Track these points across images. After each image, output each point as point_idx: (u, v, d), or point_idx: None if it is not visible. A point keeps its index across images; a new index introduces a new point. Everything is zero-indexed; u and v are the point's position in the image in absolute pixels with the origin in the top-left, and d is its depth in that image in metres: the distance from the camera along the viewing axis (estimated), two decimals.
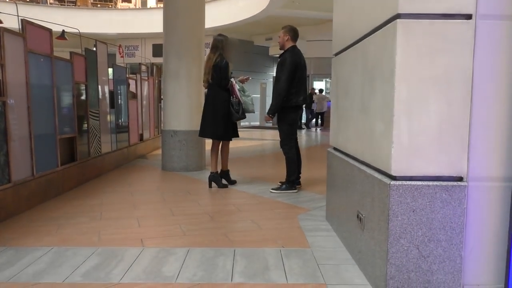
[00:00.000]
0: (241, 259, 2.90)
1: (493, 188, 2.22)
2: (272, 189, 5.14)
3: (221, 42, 5.24)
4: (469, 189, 2.20)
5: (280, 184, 5.21)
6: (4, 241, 3.24)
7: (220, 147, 5.44)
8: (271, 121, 5.15)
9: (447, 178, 2.21)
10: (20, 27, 4.21)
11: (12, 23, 6.21)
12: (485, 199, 2.23)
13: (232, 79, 5.21)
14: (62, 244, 3.19)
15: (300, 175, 5.28)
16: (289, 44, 5.02)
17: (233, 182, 5.56)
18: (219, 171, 5.46)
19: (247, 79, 5.46)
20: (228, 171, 5.54)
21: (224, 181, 5.43)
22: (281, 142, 5.16)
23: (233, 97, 5.20)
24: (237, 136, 5.48)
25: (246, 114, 5.32)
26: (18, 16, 5.06)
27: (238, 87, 5.21)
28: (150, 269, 2.73)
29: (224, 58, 5.18)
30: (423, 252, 2.22)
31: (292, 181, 5.11)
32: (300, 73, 4.94)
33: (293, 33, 5.03)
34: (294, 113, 5.08)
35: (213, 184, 5.34)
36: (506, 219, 2.20)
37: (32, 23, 4.37)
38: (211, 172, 5.39)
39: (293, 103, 4.96)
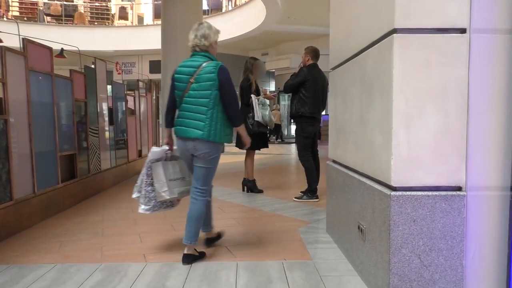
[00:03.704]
0: (244, 273, 2.92)
1: (492, 197, 2.26)
2: (295, 198, 5.46)
3: (251, 64, 5.84)
4: (468, 198, 2.24)
5: (301, 193, 5.48)
6: (7, 258, 3.25)
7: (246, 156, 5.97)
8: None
9: (446, 188, 2.25)
10: (21, 45, 4.27)
11: (12, 42, 6.27)
12: (484, 208, 2.27)
13: (252, 96, 5.63)
14: (65, 261, 3.20)
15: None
16: (309, 63, 5.46)
17: (258, 191, 6.02)
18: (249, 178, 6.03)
19: (273, 97, 6.18)
20: (247, 179, 6.07)
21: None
22: (298, 154, 5.55)
23: (251, 112, 5.60)
24: (263, 147, 5.93)
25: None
26: (19, 35, 5.12)
27: (257, 103, 5.62)
28: (154, 284, 2.74)
29: (249, 79, 5.73)
30: (425, 262, 2.25)
31: (313, 190, 5.38)
32: (312, 86, 5.28)
33: (314, 54, 5.49)
34: (311, 127, 5.38)
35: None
36: (505, 228, 2.24)
37: (33, 42, 4.43)
38: (245, 179, 6.08)
39: (300, 113, 5.31)
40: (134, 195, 3.42)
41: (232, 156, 9.12)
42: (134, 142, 8.18)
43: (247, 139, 3.46)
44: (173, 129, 3.31)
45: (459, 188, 2.25)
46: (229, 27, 17.84)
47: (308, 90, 5.25)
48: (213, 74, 3.07)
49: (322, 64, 5.40)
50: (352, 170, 3.04)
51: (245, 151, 5.68)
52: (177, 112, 3.28)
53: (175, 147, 3.36)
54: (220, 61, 3.17)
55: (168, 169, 3.35)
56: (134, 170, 8.07)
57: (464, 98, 2.22)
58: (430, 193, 2.23)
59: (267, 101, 5.90)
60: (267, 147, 6.03)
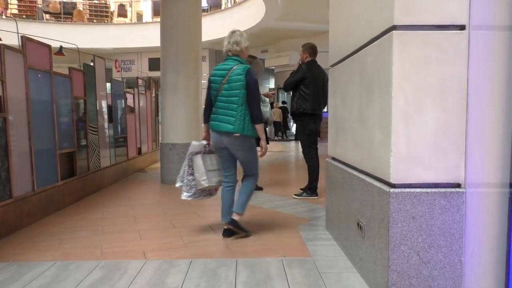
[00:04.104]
0: (243, 270, 2.93)
1: (491, 194, 2.26)
2: (295, 195, 5.48)
3: (249, 63, 5.78)
4: (467, 195, 2.25)
5: (301, 190, 5.50)
6: (7, 256, 3.25)
7: None
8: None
9: (445, 185, 2.25)
10: (20, 43, 4.26)
11: (11, 40, 6.26)
12: (483, 205, 2.27)
13: None
14: (65, 258, 3.21)
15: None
16: (307, 59, 5.45)
17: (258, 188, 5.84)
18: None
19: (271, 95, 6.19)
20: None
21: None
22: (302, 151, 5.56)
23: None
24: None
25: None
26: (18, 33, 5.11)
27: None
28: (153, 281, 2.75)
29: None
30: (424, 258, 2.25)
31: (313, 188, 5.39)
32: (312, 82, 5.28)
33: (312, 50, 5.47)
34: (312, 124, 5.38)
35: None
36: (504, 225, 2.24)
37: (31, 40, 4.42)
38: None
39: (302, 110, 5.32)
40: (177, 184, 3.89)
41: None
42: (134, 140, 8.18)
43: (264, 144, 3.75)
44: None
45: (458, 185, 2.26)
46: (228, 24, 17.80)
47: (308, 87, 5.25)
48: (242, 75, 3.52)
49: (321, 61, 5.41)
50: (351, 167, 3.05)
51: None
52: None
53: (211, 143, 3.80)
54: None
55: (206, 161, 3.80)
56: (133, 167, 8.08)
57: (463, 95, 2.22)
58: (429, 190, 2.24)
59: (267, 99, 5.94)
60: (268, 143, 6.01)
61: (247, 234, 3.72)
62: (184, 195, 3.84)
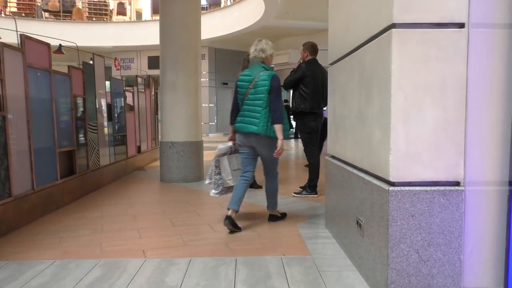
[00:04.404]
0: (242, 268, 2.93)
1: (490, 192, 2.27)
2: (294, 193, 5.50)
3: (246, 62, 5.80)
4: (466, 193, 2.25)
5: (301, 188, 5.54)
6: (6, 255, 3.26)
7: None
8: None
9: (444, 183, 2.25)
10: (19, 42, 4.25)
11: (10, 38, 6.25)
12: (482, 203, 2.27)
13: None
14: (65, 257, 3.21)
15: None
16: (308, 58, 5.47)
17: (257, 186, 5.99)
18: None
19: None
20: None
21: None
22: (304, 150, 5.54)
23: None
24: None
25: None
26: (17, 31, 5.10)
27: None
28: (153, 279, 2.75)
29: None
30: (423, 256, 2.25)
31: (313, 186, 5.40)
32: (311, 81, 5.29)
33: (312, 49, 5.49)
34: (313, 122, 5.38)
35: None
36: (503, 222, 2.25)
37: (30, 38, 4.41)
38: None
39: (301, 109, 5.34)
40: (207, 182, 4.31)
41: None
42: (133, 138, 8.18)
43: (280, 143, 3.82)
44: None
45: (457, 183, 2.26)
46: (228, 22, 17.83)
47: (307, 85, 5.26)
48: (267, 81, 3.79)
49: (321, 59, 5.42)
50: (351, 166, 3.05)
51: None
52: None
53: (237, 142, 4.08)
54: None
55: (232, 161, 4.18)
56: (133, 166, 8.08)
57: (462, 93, 2.22)
58: (428, 188, 2.24)
59: None
60: None
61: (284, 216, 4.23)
62: (213, 192, 4.24)
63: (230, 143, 4.17)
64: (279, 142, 3.79)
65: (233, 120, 4.05)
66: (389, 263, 2.26)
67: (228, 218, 3.80)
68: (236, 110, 4.04)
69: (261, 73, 3.85)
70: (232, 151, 4.19)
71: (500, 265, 2.27)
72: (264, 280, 2.72)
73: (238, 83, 3.98)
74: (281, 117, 3.80)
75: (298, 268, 2.91)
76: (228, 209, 3.85)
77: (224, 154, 4.17)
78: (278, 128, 3.77)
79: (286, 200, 5.13)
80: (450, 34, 2.20)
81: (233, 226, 3.81)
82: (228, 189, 4.24)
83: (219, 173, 4.19)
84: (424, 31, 2.21)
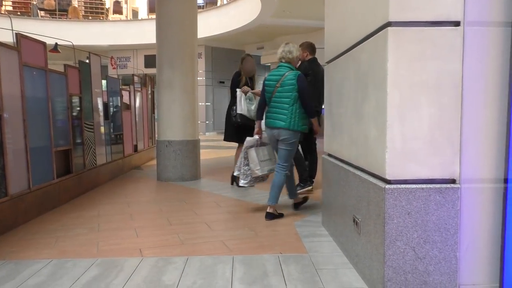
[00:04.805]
0: (240, 266, 2.93)
1: (485, 190, 2.28)
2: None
3: (241, 60, 6.05)
4: (462, 191, 2.26)
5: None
6: (3, 254, 3.25)
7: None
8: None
9: (440, 180, 2.26)
10: (15, 41, 4.24)
11: (5, 37, 6.22)
12: (477, 201, 2.28)
13: (237, 90, 5.77)
14: (62, 256, 3.20)
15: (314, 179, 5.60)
16: (308, 57, 5.56)
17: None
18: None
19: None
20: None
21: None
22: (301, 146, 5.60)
23: (235, 105, 5.81)
24: (242, 141, 5.94)
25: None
26: (12, 30, 5.08)
27: (245, 97, 5.74)
28: (150, 278, 2.75)
29: (240, 74, 5.94)
30: (419, 254, 2.26)
31: (305, 179, 5.46)
32: (312, 80, 5.30)
33: (311, 48, 5.62)
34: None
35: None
36: (498, 220, 2.26)
37: (26, 37, 4.39)
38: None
39: None
40: (235, 173, 4.74)
41: (227, 151, 9.13)
42: (130, 137, 8.17)
43: (317, 128, 4.63)
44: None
45: (453, 181, 2.27)
46: (224, 21, 17.81)
47: (309, 84, 5.26)
48: (293, 80, 4.12)
49: (318, 58, 5.44)
50: (347, 164, 3.05)
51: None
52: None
53: (264, 135, 4.47)
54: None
55: (259, 153, 4.51)
56: (130, 165, 8.07)
57: (458, 91, 2.23)
58: (424, 186, 2.25)
59: (252, 96, 5.95)
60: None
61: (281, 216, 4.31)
62: (242, 183, 4.65)
63: (257, 137, 4.51)
64: (315, 125, 4.52)
65: (260, 116, 4.45)
66: (385, 261, 2.27)
67: (269, 215, 4.22)
68: (263, 107, 4.40)
69: (288, 72, 4.17)
70: (259, 144, 4.53)
71: (496, 262, 2.28)
72: (261, 278, 2.73)
73: (266, 82, 4.32)
74: (314, 111, 4.30)
75: (295, 266, 2.92)
76: (268, 205, 4.26)
77: (251, 147, 4.50)
78: (314, 121, 4.43)
79: (283, 198, 5.14)
80: (445, 32, 2.21)
81: (273, 218, 4.20)
82: (256, 179, 4.59)
83: (247, 164, 4.53)
84: (420, 29, 2.21)
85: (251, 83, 5.99)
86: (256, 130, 4.54)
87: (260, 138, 4.52)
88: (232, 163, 6.51)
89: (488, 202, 2.28)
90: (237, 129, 5.87)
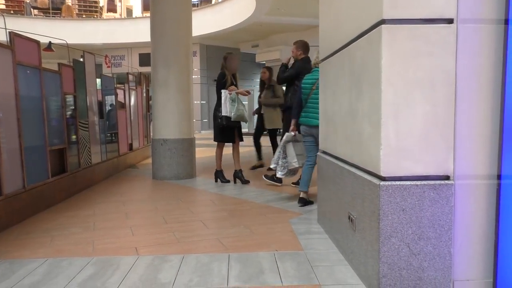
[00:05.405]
0: (235, 264, 2.94)
1: (479, 186, 2.30)
2: (265, 176, 6.07)
3: (224, 60, 6.12)
4: (456, 187, 2.27)
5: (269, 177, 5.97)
6: None
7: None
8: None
9: (434, 177, 2.28)
10: (8, 39, 4.22)
11: None
12: (471, 197, 2.30)
13: (222, 91, 5.86)
14: (57, 255, 3.20)
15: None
16: (301, 56, 5.66)
17: (227, 181, 6.32)
18: (222, 169, 6.40)
19: (247, 93, 6.19)
20: (221, 171, 6.39)
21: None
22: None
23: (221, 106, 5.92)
24: (231, 141, 6.20)
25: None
26: (5, 28, 5.05)
27: (229, 98, 5.81)
28: (146, 276, 2.75)
29: (225, 75, 6.02)
30: (414, 250, 2.28)
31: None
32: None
33: (305, 47, 5.70)
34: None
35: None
36: (492, 216, 2.28)
37: (20, 36, 4.37)
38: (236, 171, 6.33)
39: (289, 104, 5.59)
40: (272, 166, 5.13)
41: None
42: (125, 136, 8.15)
43: None
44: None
45: (447, 177, 2.28)
46: (219, 19, 17.79)
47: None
48: None
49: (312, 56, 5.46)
50: (342, 161, 3.07)
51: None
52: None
53: (302, 133, 4.82)
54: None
55: (296, 148, 4.97)
56: (125, 163, 8.06)
57: (451, 88, 2.25)
58: (418, 182, 2.26)
59: (241, 97, 6.06)
60: (242, 140, 6.33)
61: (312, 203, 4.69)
62: (279, 174, 5.09)
63: (293, 133, 4.93)
64: None
65: (296, 115, 4.84)
66: (380, 257, 2.29)
67: (301, 200, 4.68)
68: (300, 107, 4.77)
69: None
70: (294, 140, 4.95)
71: (490, 257, 2.30)
72: (257, 275, 2.73)
73: (303, 85, 4.72)
74: None
75: (290, 264, 2.93)
76: (300, 191, 4.71)
77: (289, 142, 4.96)
78: None
79: (278, 196, 5.16)
80: (439, 29, 2.22)
81: (305, 204, 4.64)
82: (291, 171, 5.05)
83: (285, 157, 4.99)
84: (414, 26, 2.22)
85: (234, 81, 6.10)
86: (292, 127, 4.93)
87: (295, 135, 4.93)
88: (227, 161, 6.52)
89: (482, 198, 2.30)
90: (221, 130, 6.07)
